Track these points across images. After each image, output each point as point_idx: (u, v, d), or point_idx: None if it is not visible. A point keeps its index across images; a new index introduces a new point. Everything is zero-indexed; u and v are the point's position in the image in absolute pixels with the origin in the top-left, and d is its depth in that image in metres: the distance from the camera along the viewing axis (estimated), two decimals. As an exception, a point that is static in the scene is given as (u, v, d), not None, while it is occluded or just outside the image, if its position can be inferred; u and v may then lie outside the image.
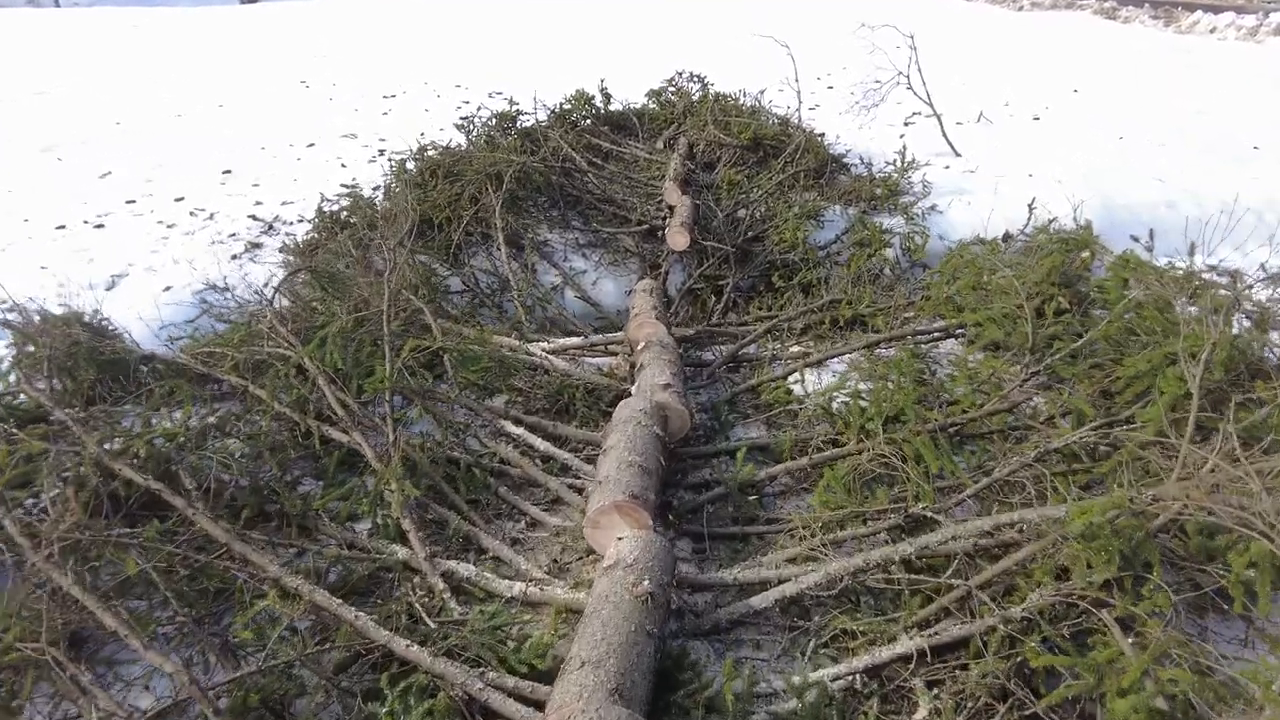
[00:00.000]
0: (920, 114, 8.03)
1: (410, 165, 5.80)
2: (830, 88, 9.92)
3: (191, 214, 6.02)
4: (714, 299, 5.12)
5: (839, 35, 12.15)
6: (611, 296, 5.35)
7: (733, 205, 5.68)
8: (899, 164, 6.29)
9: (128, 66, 11.39)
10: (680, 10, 18.55)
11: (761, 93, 7.27)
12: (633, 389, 3.42)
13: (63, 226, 5.65)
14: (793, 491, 3.14)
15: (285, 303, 3.95)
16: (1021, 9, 18.97)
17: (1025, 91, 9.73)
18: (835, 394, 3.48)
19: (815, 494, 2.86)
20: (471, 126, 6.40)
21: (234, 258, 5.34)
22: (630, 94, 7.73)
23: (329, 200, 5.79)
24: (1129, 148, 7.48)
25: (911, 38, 6.94)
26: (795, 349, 4.18)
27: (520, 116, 6.65)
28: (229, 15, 17.91)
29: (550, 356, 3.71)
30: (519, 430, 3.25)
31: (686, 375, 4.00)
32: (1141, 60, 12.06)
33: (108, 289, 4.93)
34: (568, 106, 7.00)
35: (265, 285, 4.16)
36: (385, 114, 8.55)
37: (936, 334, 3.91)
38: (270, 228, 5.84)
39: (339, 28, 15.42)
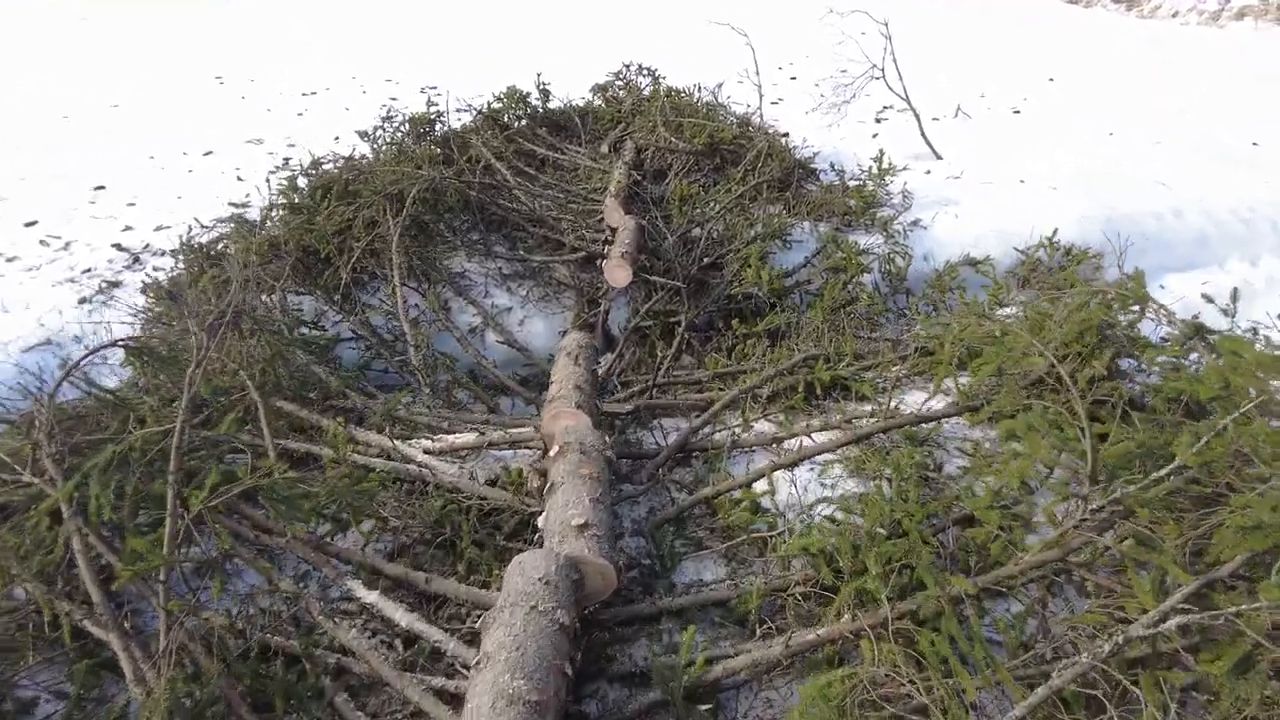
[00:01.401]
0: (893, 108, 6.96)
1: (302, 182, 4.59)
2: (793, 78, 8.79)
3: (42, 243, 4.77)
4: (663, 343, 4.05)
5: (800, 21, 11.00)
6: (542, 338, 4.26)
7: (685, 224, 4.57)
8: (875, 170, 5.23)
9: (21, 57, 9.81)
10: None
11: (719, 86, 6.13)
12: (540, 520, 2.35)
13: None
14: (763, 681, 2.11)
15: (79, 393, 2.78)
16: (981, -8, 17.88)
17: (1000, 81, 8.70)
18: (817, 512, 2.47)
19: (796, 714, 1.84)
20: (381, 132, 5.18)
21: (82, 302, 4.14)
22: (574, 89, 6.54)
23: (204, 227, 4.59)
24: (1120, 146, 6.49)
25: (886, 25, 5.84)
26: (762, 426, 3.13)
27: (440, 119, 5.45)
28: None
29: (433, 461, 2.62)
30: (373, 596, 2.16)
31: (624, 473, 2.93)
32: (1112, 46, 11.11)
33: (-95, 350, 3.73)
34: (498, 105, 5.80)
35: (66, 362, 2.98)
36: (300, 114, 7.22)
37: (942, 415, 2.89)
38: (136, 260, 4.63)
39: (273, 17, 13.79)
